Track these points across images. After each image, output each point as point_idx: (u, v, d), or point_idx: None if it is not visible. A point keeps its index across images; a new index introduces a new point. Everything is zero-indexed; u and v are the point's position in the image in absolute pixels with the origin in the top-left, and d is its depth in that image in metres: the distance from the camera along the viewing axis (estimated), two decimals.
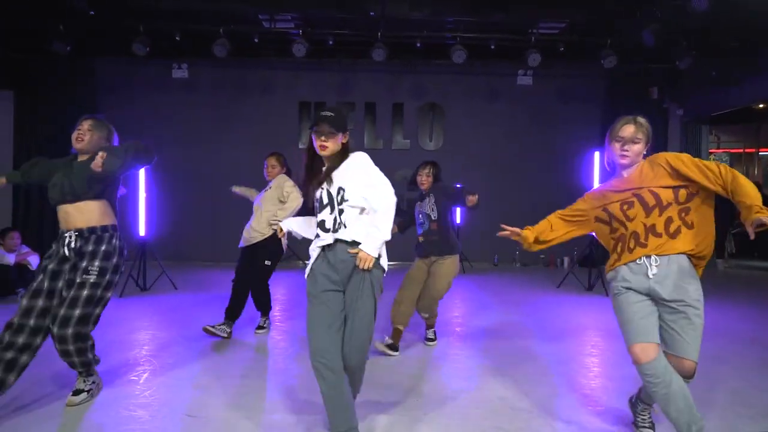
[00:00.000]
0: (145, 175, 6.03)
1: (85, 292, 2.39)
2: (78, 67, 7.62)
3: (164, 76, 7.90)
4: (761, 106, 8.96)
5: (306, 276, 2.18)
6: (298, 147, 8.04)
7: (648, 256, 2.09)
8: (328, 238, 2.13)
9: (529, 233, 2.39)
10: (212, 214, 7.82)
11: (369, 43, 6.77)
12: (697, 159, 2.09)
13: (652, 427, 2.31)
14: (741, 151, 10.76)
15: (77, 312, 2.36)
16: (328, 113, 2.17)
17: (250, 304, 3.87)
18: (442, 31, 6.91)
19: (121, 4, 5.91)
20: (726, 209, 8.35)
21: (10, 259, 4.96)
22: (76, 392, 2.57)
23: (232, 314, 3.77)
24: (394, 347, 3.44)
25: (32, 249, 5.35)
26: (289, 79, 8.05)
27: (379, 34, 6.54)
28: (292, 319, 4.43)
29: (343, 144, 2.22)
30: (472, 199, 3.29)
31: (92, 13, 5.47)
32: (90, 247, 2.46)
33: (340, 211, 2.13)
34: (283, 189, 3.77)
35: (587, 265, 6.25)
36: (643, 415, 2.34)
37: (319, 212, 2.18)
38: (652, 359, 1.99)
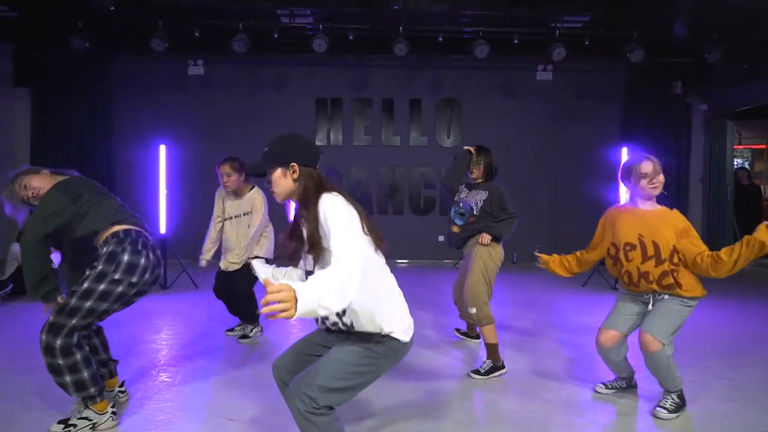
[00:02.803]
0: (165, 172, 5.99)
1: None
2: (94, 64, 7.58)
3: (180, 72, 7.85)
4: None
5: None
6: (315, 143, 7.99)
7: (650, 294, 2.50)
8: None
9: (554, 264, 2.79)
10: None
11: (387, 38, 6.68)
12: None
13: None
14: (764, 147, 10.54)
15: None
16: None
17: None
18: (462, 26, 6.80)
19: (141, 1, 5.85)
20: (749, 206, 8.23)
21: None
22: (62, 421, 2.25)
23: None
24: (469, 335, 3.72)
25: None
26: (304, 75, 7.97)
27: (401, 28, 6.44)
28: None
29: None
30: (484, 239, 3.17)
31: (112, 8, 5.40)
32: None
33: None
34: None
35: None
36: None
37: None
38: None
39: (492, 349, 3.05)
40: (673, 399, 2.50)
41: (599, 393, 2.77)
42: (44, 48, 7.42)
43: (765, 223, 2.19)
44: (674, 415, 2.46)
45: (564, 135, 8.03)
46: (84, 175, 2.47)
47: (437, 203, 8.06)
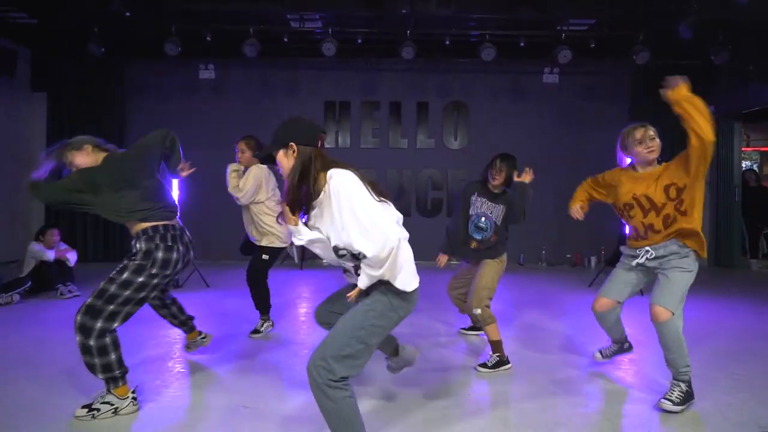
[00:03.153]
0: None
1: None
2: (109, 68, 7.76)
3: (192, 77, 8.00)
4: None
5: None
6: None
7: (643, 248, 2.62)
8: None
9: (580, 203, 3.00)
10: (240, 213, 7.89)
11: (395, 41, 6.78)
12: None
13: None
14: None
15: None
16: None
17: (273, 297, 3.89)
18: (469, 29, 6.88)
19: (155, 5, 6.00)
20: (757, 208, 8.21)
21: (50, 255, 5.05)
22: (85, 406, 2.34)
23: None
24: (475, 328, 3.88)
25: (69, 246, 5.45)
26: (313, 78, 8.09)
27: (408, 32, 6.54)
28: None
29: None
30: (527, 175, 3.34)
31: (128, 14, 5.54)
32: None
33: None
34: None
35: (615, 264, 6.16)
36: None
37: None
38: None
39: (496, 346, 3.13)
40: (681, 389, 2.52)
41: (597, 359, 3.09)
42: (59, 53, 7.61)
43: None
44: (680, 407, 2.49)
45: (570, 137, 8.07)
46: None
47: (444, 205, 8.12)
